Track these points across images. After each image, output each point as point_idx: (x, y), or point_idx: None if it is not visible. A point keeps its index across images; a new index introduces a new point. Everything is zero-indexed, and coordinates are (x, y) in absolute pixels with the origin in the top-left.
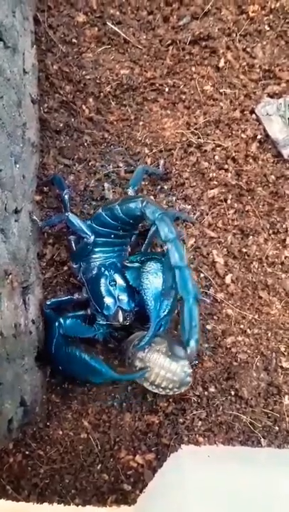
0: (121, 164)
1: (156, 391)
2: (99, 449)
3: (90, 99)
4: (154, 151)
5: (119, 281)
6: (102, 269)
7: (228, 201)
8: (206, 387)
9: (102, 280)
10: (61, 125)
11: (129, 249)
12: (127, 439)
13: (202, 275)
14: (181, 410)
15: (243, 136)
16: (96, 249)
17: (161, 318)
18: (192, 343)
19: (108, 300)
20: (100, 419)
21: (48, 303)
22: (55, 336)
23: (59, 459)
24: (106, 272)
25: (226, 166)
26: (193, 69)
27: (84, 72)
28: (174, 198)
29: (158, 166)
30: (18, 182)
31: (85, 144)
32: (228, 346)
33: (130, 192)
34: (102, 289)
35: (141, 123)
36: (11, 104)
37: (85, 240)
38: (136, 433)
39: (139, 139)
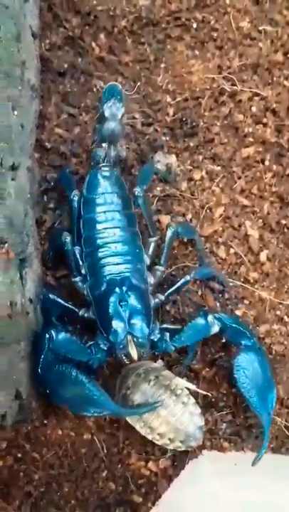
0: (137, 115)
1: (150, 437)
2: (105, 452)
3: (102, 36)
4: (177, 99)
5: (132, 300)
6: (112, 284)
7: (266, 162)
8: (233, 384)
9: (112, 298)
10: (66, 66)
11: (148, 262)
12: (139, 442)
13: (232, 251)
14: (202, 410)
15: (286, 83)
16: (102, 256)
17: (270, 413)
18: None
19: (115, 324)
20: (107, 418)
21: (50, 296)
22: (43, 351)
23: (57, 463)
24: (116, 289)
25: (264, 120)
26: (227, 1)
27: (95, 2)
28: (201, 157)
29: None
30: (16, 132)
31: (94, 89)
32: (262, 336)
33: (138, 192)
34: (110, 309)
35: (162, 65)
36: (10, 38)
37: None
38: None
39: (160, 84)
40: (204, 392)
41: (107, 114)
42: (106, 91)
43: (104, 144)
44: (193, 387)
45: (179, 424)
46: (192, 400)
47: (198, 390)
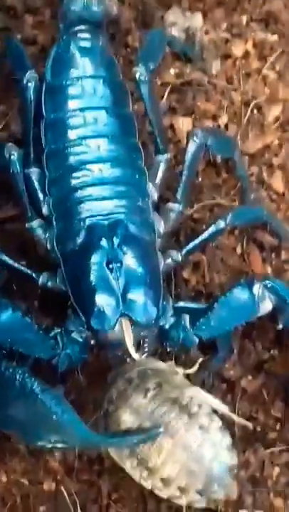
0: None
1: (147, 484)
2: None
3: None
4: None
5: (129, 261)
6: (96, 232)
7: None
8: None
9: (95, 257)
10: None
11: (156, 196)
12: (134, 496)
13: None
14: (237, 442)
15: None
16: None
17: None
18: None
19: (101, 299)
20: (83, 457)
21: None
22: None
23: None
24: (102, 241)
25: None
26: None
27: None
28: (246, 18)
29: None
30: None
31: None
32: None
33: (139, 74)
34: (92, 275)
35: None
36: None
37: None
38: None
39: None
40: (243, 421)
41: None
42: None
43: None
44: (224, 409)
45: (194, 462)
46: (217, 421)
47: (233, 416)
